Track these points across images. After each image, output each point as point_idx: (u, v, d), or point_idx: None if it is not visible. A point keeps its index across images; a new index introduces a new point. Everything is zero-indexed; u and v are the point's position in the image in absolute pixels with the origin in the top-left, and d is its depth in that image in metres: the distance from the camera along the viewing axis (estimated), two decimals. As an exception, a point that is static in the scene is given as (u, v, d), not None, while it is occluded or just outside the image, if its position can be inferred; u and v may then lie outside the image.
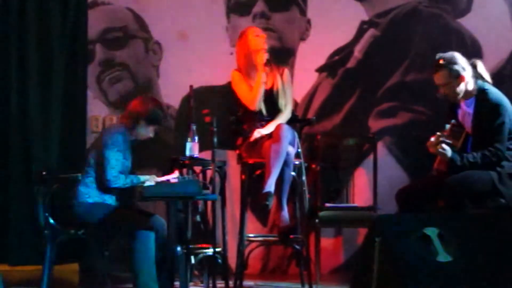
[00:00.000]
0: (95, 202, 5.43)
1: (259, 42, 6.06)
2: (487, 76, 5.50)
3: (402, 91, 6.73)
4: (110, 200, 5.49)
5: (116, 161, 5.42)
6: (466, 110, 5.48)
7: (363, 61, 6.76)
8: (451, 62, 5.39)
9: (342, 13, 6.76)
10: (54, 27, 6.66)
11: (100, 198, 5.45)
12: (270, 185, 5.61)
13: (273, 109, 6.06)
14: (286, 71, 6.17)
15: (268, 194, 5.58)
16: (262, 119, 6.02)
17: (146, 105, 5.59)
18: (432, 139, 5.39)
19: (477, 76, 5.46)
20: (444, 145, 5.34)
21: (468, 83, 5.41)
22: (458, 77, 5.38)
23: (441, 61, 5.40)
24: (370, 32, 6.77)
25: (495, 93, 5.43)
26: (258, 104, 6.00)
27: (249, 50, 6.03)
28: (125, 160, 5.49)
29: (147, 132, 5.60)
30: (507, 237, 4.47)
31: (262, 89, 5.99)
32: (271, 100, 6.06)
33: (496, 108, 5.35)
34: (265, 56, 5.99)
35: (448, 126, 5.40)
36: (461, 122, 5.49)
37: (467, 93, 5.44)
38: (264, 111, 6.04)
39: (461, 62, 5.41)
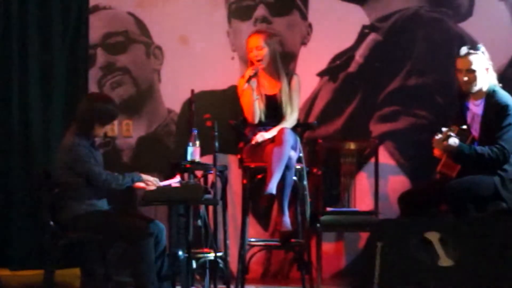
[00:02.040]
0: (88, 212, 5.43)
1: (251, 41, 6.10)
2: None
3: (404, 96, 6.73)
4: (102, 204, 5.49)
5: (98, 168, 5.43)
6: (475, 112, 5.51)
7: (364, 66, 6.76)
8: (484, 53, 5.54)
9: (343, 17, 6.76)
10: (55, 31, 6.65)
11: (91, 206, 5.45)
12: (272, 188, 5.61)
13: (276, 115, 6.05)
14: (296, 78, 6.16)
15: (270, 196, 5.58)
16: (264, 125, 6.02)
17: (95, 106, 5.54)
18: (438, 136, 5.38)
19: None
20: (452, 138, 5.34)
21: (484, 83, 5.47)
22: (486, 67, 5.52)
23: (477, 48, 5.54)
24: (372, 37, 6.77)
25: (504, 94, 5.50)
26: (254, 117, 6.00)
27: (247, 51, 6.10)
28: (97, 162, 5.51)
29: (104, 130, 5.61)
30: (508, 242, 4.47)
31: (254, 104, 5.98)
32: (274, 106, 6.05)
33: (504, 109, 5.41)
34: (255, 60, 6.01)
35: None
36: (469, 125, 5.52)
37: (479, 92, 5.49)
38: (263, 118, 6.04)
39: (487, 59, 5.58)
